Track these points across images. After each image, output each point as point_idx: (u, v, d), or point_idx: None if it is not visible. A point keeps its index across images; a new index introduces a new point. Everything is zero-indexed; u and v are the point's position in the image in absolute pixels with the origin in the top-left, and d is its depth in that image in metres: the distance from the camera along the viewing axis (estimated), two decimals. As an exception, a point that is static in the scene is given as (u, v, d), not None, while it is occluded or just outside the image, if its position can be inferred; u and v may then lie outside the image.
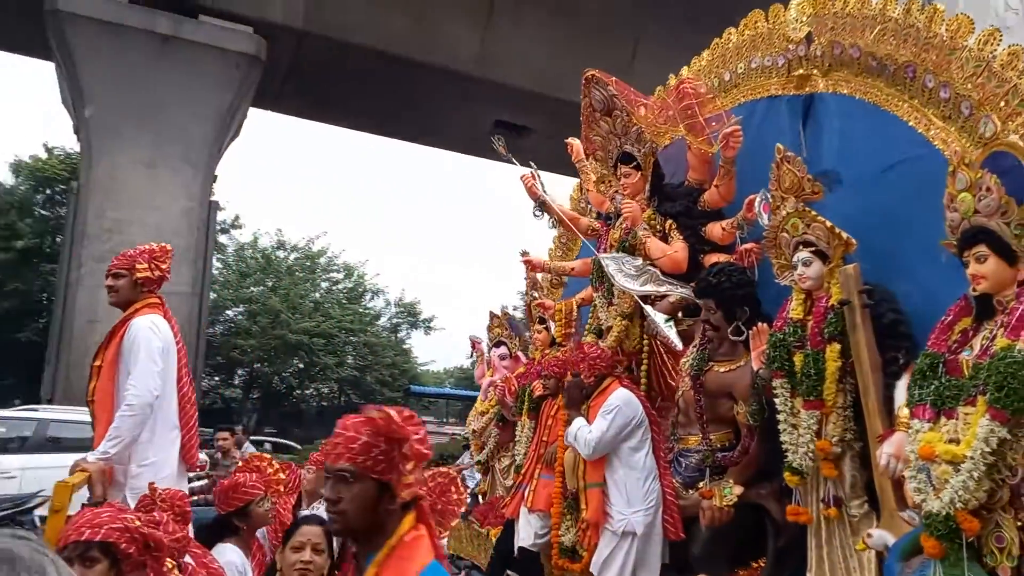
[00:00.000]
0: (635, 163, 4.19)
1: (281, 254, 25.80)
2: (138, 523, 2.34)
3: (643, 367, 4.06)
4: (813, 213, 3.04)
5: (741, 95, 4.08)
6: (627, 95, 4.23)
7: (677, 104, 3.93)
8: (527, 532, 4.31)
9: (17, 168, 20.29)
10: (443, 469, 3.08)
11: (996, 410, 2.14)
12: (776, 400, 3.04)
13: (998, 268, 2.33)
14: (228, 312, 24.27)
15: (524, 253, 5.15)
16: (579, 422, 3.85)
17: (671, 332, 3.69)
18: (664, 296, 3.90)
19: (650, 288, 3.87)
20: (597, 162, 4.67)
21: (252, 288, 24.26)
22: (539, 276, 5.44)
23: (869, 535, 2.72)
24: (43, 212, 20.36)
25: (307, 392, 27.97)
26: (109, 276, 3.62)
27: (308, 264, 26.01)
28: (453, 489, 2.98)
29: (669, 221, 4.06)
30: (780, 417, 3.02)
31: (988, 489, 2.19)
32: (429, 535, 1.73)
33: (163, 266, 3.62)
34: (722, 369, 3.46)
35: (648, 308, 3.81)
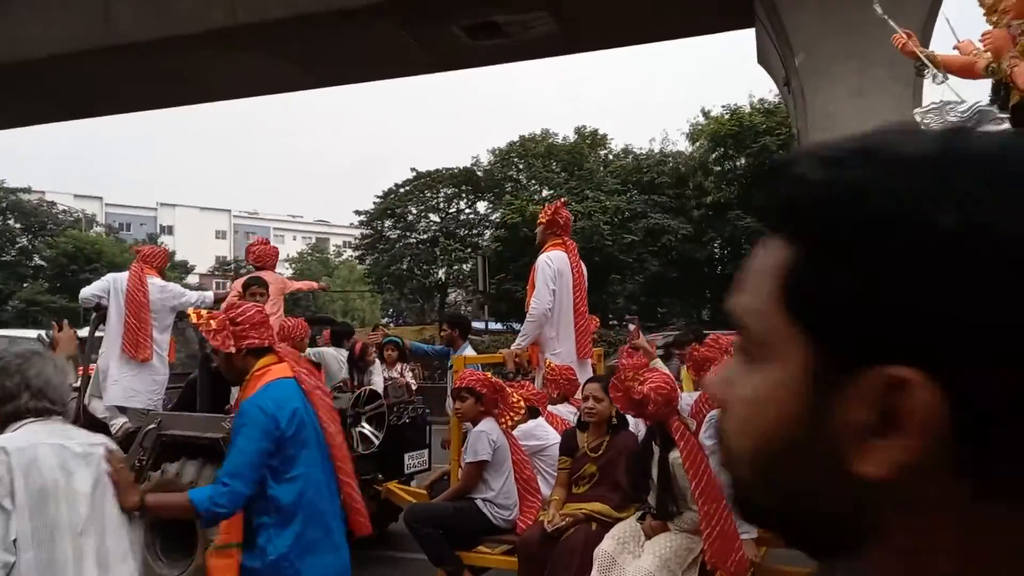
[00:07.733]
0: None
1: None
2: (490, 377, 4.09)
3: None
4: None
5: None
6: None
7: None
8: None
9: (693, 135, 23.64)
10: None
11: None
12: None
13: None
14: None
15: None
16: None
17: None
18: None
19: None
20: None
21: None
22: None
23: None
24: (717, 168, 23.23)
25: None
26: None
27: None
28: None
29: None
30: None
31: None
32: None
33: (550, 211, 4.86)
34: None
35: None
